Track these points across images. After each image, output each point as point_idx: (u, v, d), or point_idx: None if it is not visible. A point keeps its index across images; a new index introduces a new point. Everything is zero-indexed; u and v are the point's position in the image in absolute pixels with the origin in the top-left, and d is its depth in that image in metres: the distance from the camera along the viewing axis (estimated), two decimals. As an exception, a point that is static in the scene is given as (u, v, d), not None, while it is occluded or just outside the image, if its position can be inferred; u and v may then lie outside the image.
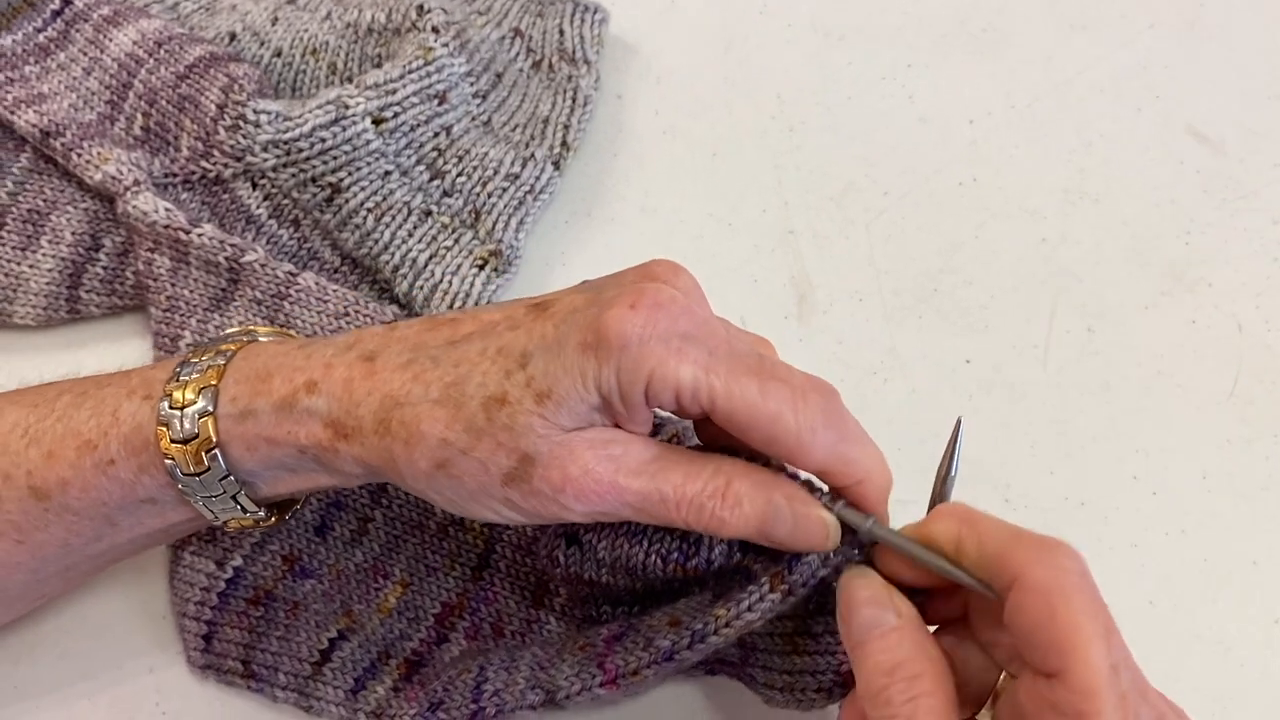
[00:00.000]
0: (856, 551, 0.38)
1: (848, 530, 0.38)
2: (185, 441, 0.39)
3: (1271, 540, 0.50)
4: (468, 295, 0.53)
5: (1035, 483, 0.52)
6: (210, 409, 0.39)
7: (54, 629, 0.49)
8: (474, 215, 0.55)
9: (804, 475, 0.39)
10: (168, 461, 0.39)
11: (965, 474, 0.52)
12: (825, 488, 0.38)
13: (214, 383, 0.40)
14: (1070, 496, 0.51)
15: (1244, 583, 0.49)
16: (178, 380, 0.40)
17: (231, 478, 0.40)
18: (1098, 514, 0.51)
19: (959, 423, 0.40)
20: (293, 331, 0.49)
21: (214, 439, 0.39)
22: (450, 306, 0.53)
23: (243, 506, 0.41)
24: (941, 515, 0.37)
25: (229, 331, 0.47)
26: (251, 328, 0.46)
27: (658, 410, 0.38)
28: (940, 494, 0.40)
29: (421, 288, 0.53)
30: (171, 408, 0.39)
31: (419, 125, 0.55)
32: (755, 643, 0.42)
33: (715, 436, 0.39)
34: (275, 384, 0.39)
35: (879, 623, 0.36)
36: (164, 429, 0.39)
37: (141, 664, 0.49)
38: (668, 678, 0.45)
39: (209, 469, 0.39)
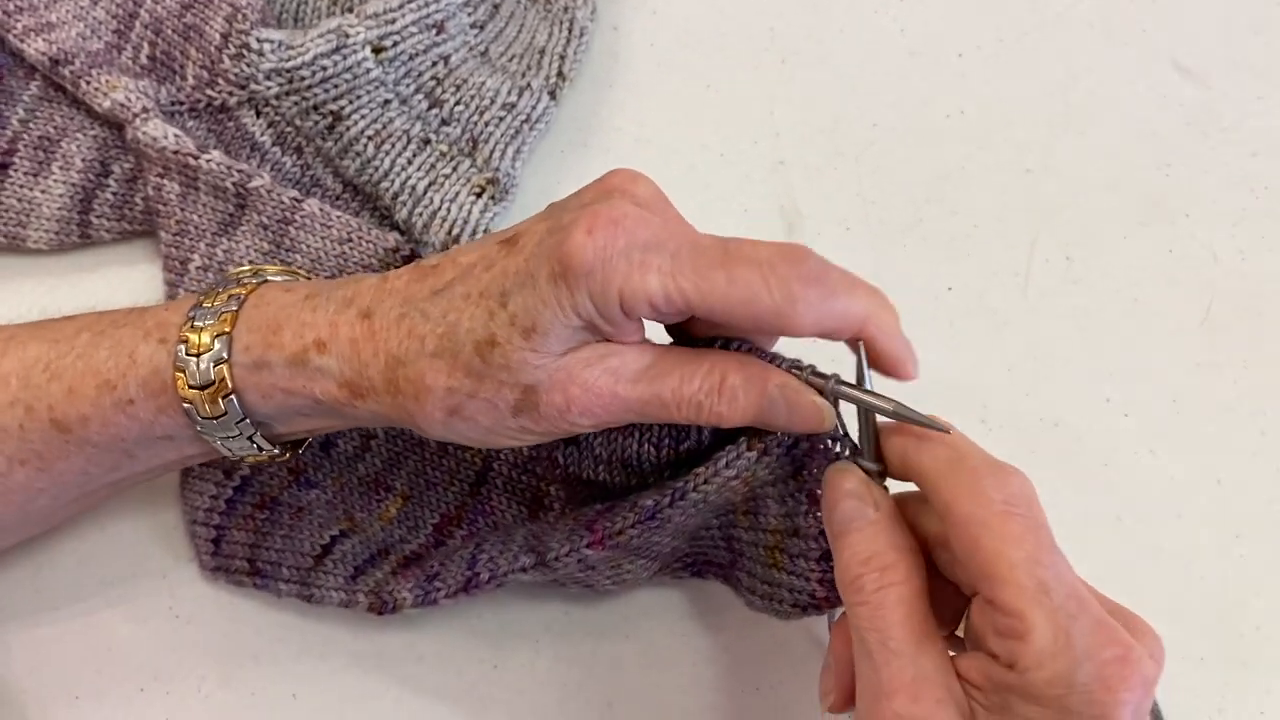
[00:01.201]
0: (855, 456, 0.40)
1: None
2: (202, 387, 0.41)
3: (1235, 460, 0.52)
4: (465, 222, 0.55)
5: (1012, 404, 0.54)
6: (225, 356, 0.41)
7: (72, 539, 0.51)
8: (471, 144, 0.57)
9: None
10: (185, 405, 0.41)
11: (945, 395, 0.54)
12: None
13: (227, 329, 0.41)
14: (1045, 418, 0.53)
15: (1208, 500, 0.52)
16: (192, 325, 0.42)
17: (247, 421, 0.42)
18: (1071, 434, 0.53)
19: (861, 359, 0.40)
20: (300, 271, 0.51)
21: (230, 385, 0.41)
22: (449, 233, 0.55)
23: (258, 446, 0.43)
24: (892, 430, 0.39)
25: (238, 270, 0.49)
26: (260, 267, 0.48)
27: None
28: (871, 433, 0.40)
29: (420, 215, 0.55)
30: (188, 353, 0.41)
31: (417, 54, 0.56)
32: (742, 549, 0.45)
33: (708, 331, 0.41)
34: (286, 338, 0.41)
35: (858, 515, 0.38)
36: (181, 374, 0.41)
37: (155, 570, 0.51)
38: (656, 564, 0.47)
39: (225, 413, 0.41)
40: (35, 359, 0.43)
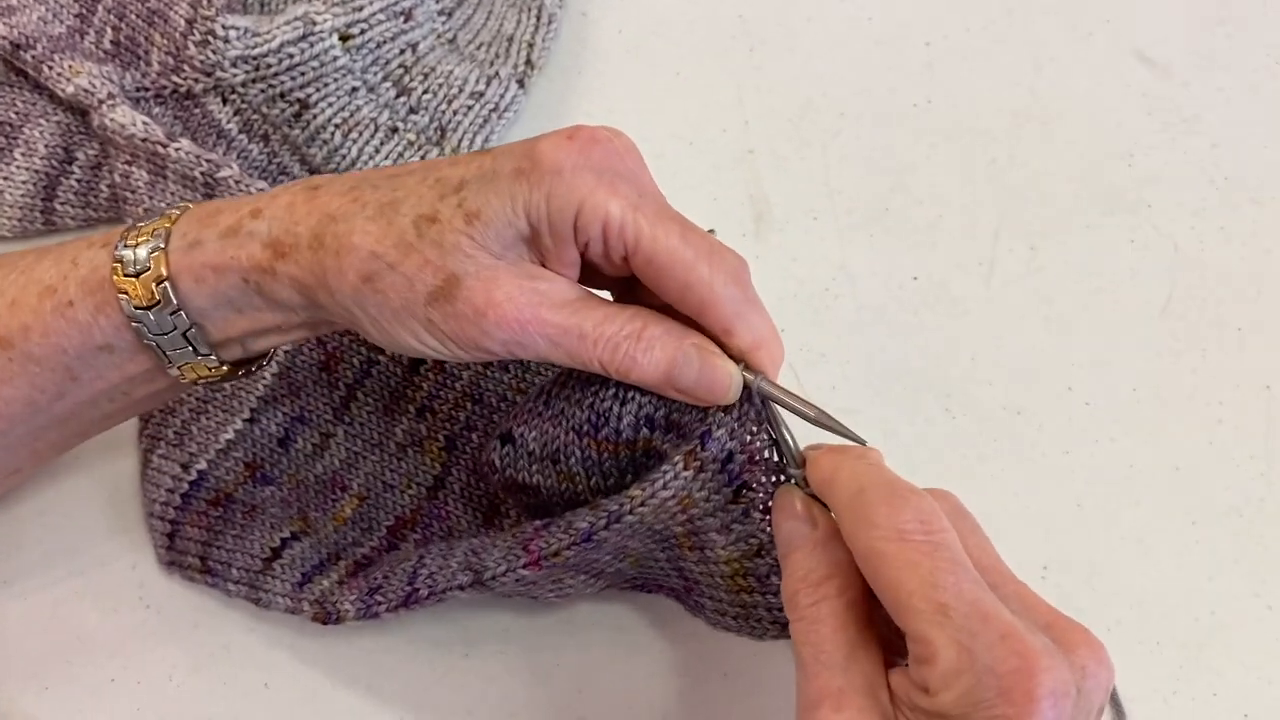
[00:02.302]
0: (755, 422, 0.40)
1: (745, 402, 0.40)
2: (138, 275, 0.40)
3: (1193, 447, 0.53)
4: (434, 210, 0.55)
5: (974, 393, 0.54)
6: (162, 246, 0.40)
7: (40, 529, 0.51)
8: (440, 132, 0.56)
9: None
10: (121, 297, 0.40)
11: (909, 383, 0.55)
12: None
13: (167, 226, 0.41)
14: (1007, 406, 0.54)
15: (1165, 487, 0.53)
16: (135, 228, 0.42)
17: (182, 313, 0.41)
18: (1033, 422, 0.54)
19: (760, 396, 0.40)
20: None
21: (164, 273, 0.40)
22: (417, 221, 0.55)
23: (194, 347, 0.42)
24: (823, 453, 0.40)
25: (187, 202, 0.48)
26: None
27: None
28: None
29: (389, 203, 0.55)
30: (125, 247, 0.41)
31: (385, 42, 0.56)
32: (696, 578, 0.45)
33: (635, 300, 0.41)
34: (223, 217, 0.41)
35: (798, 534, 0.39)
36: (118, 265, 0.41)
37: (124, 561, 0.51)
38: (604, 578, 0.47)
39: (159, 303, 0.40)
40: None
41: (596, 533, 0.41)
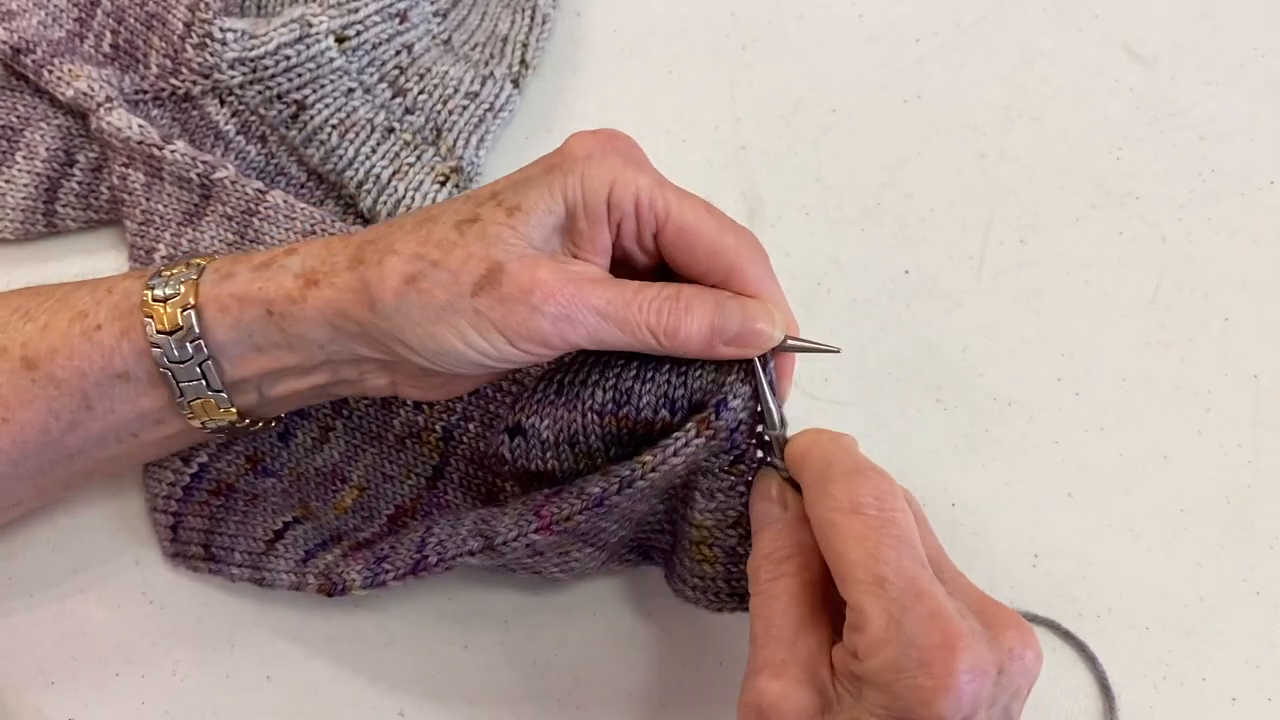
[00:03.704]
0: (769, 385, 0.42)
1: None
2: (166, 301, 0.42)
3: (1182, 436, 0.54)
4: (430, 209, 0.56)
5: (966, 384, 0.55)
6: (194, 277, 0.42)
7: (44, 527, 0.52)
8: (435, 133, 0.57)
9: None
10: (146, 320, 0.42)
11: (901, 375, 0.56)
12: None
13: (205, 262, 0.43)
14: (998, 397, 0.55)
15: (1155, 476, 0.53)
16: (174, 262, 0.44)
17: (201, 344, 0.42)
18: (1023, 413, 0.54)
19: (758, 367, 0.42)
20: None
21: (192, 301, 0.42)
22: (414, 220, 0.55)
23: (207, 380, 0.43)
24: (801, 433, 0.42)
25: None
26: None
27: None
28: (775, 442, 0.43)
29: (385, 203, 0.55)
30: (159, 277, 0.43)
31: (381, 43, 0.57)
32: (681, 540, 0.46)
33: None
34: (259, 255, 0.43)
35: (769, 515, 0.41)
36: (149, 291, 0.42)
37: (127, 557, 0.52)
38: (606, 554, 0.48)
39: (181, 329, 0.41)
40: (15, 308, 0.44)
41: (609, 497, 0.42)
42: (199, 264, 0.43)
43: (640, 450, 0.42)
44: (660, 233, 0.41)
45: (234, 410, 0.44)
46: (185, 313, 0.41)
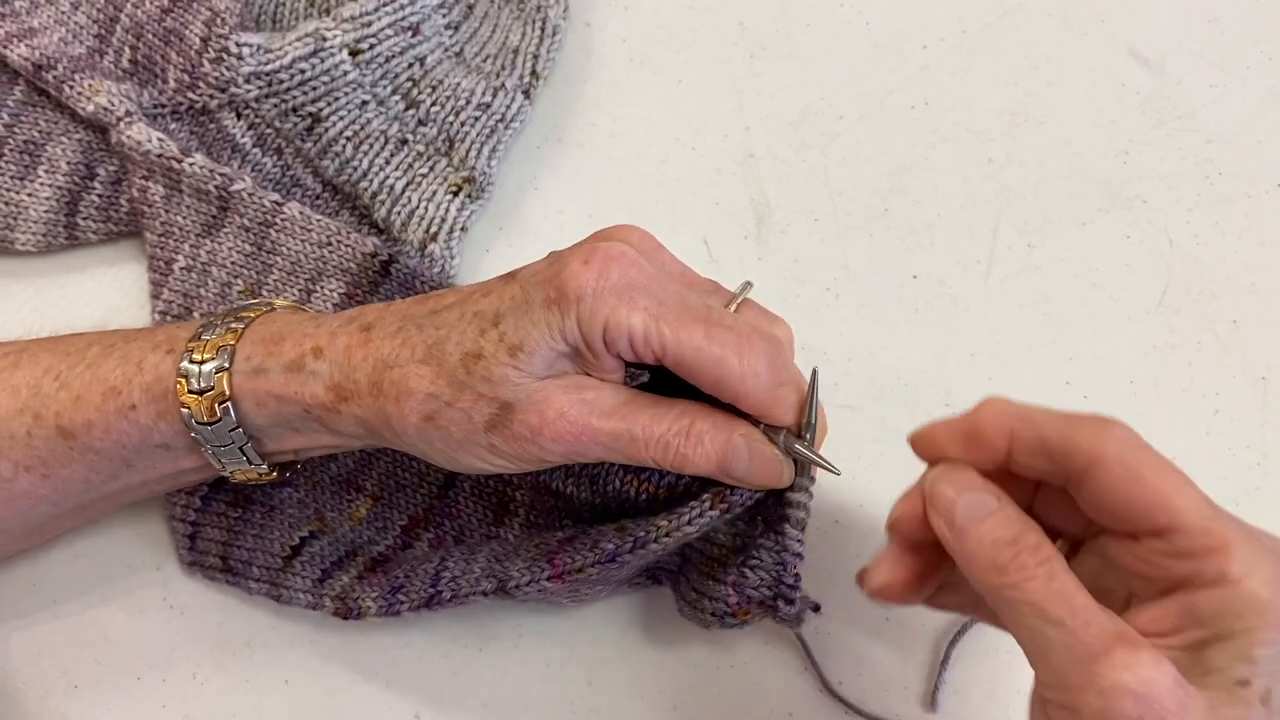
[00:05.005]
0: (800, 477, 0.42)
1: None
2: (201, 393, 0.43)
3: (1189, 439, 0.54)
4: (443, 220, 0.56)
5: (975, 388, 0.55)
6: (226, 365, 0.43)
7: (69, 536, 0.53)
8: (448, 143, 0.58)
9: None
10: (184, 410, 0.43)
11: (910, 380, 0.56)
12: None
13: (232, 343, 0.44)
14: (1006, 401, 0.55)
15: (1163, 478, 0.54)
16: (199, 340, 0.44)
17: (240, 430, 0.44)
18: (1031, 417, 0.55)
19: (815, 373, 0.42)
20: (307, 307, 0.53)
21: (227, 392, 0.43)
22: (426, 231, 0.56)
23: (249, 459, 0.45)
24: (990, 408, 0.39)
25: (249, 302, 0.51)
26: (270, 300, 0.51)
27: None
28: (807, 444, 0.42)
29: (399, 213, 0.56)
30: (191, 362, 0.43)
31: (394, 56, 0.58)
32: (691, 556, 0.47)
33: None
34: (286, 346, 0.43)
35: (982, 504, 0.38)
36: (183, 380, 0.43)
37: (149, 564, 0.53)
38: (614, 586, 0.49)
39: (220, 420, 0.43)
40: (46, 369, 0.45)
41: (620, 555, 0.43)
42: (226, 344, 0.44)
43: (656, 507, 0.43)
44: (661, 361, 0.40)
45: (273, 474, 0.47)
46: (222, 405, 0.43)
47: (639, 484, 0.45)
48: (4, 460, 0.45)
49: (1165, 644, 0.35)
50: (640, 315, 0.39)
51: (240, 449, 0.45)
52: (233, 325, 0.45)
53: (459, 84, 0.59)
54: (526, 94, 0.60)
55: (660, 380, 0.43)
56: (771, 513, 0.43)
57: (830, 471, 0.42)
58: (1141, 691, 0.33)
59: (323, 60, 0.56)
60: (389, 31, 0.57)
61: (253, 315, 0.45)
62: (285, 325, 0.45)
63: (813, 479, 0.43)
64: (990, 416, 0.39)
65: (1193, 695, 0.33)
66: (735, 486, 0.42)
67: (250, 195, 0.54)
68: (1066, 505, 0.39)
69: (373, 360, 0.42)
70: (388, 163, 0.57)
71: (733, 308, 0.43)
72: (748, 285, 0.44)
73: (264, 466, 0.46)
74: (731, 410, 0.42)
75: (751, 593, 0.43)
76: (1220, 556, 0.34)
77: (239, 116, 0.58)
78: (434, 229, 0.56)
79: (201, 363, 0.43)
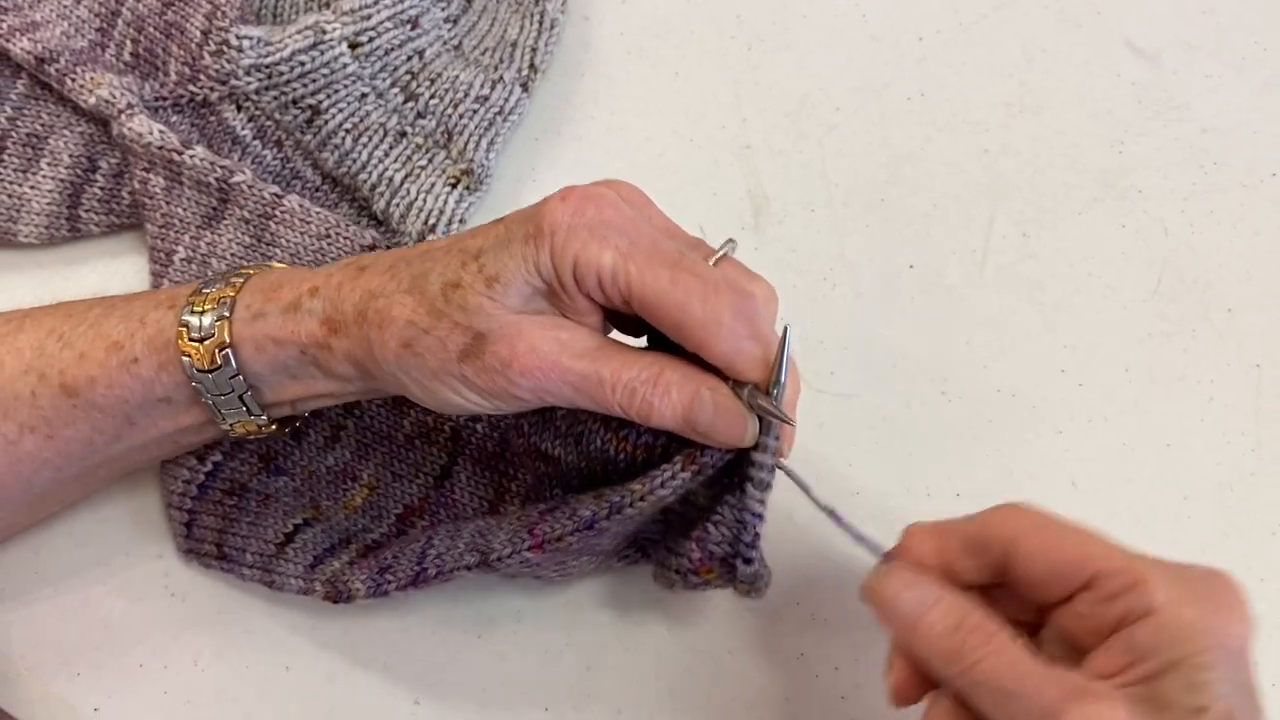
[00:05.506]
0: (763, 435, 0.42)
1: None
2: (202, 340, 0.44)
3: (1184, 425, 0.54)
4: (441, 212, 0.57)
5: (970, 377, 0.56)
6: (226, 314, 0.44)
7: (69, 522, 0.53)
8: (446, 136, 0.58)
9: None
10: (184, 359, 0.44)
11: (906, 368, 0.56)
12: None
13: (231, 295, 0.45)
14: (1002, 389, 0.55)
15: (1158, 464, 0.54)
16: (200, 294, 0.45)
17: (240, 377, 0.44)
18: (1027, 404, 0.55)
19: (786, 330, 0.41)
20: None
21: (227, 340, 0.44)
22: (425, 223, 0.57)
23: (248, 408, 0.46)
24: (910, 536, 0.42)
25: (247, 268, 0.52)
26: (269, 264, 0.51)
27: None
28: (772, 402, 0.42)
29: (398, 205, 0.57)
30: (192, 314, 0.44)
31: (393, 49, 0.58)
32: (672, 521, 0.47)
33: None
34: (284, 292, 0.44)
35: (925, 599, 0.39)
36: (184, 329, 0.44)
37: (150, 551, 0.53)
38: (602, 556, 0.49)
39: (220, 367, 0.44)
40: (49, 330, 0.46)
41: (598, 521, 0.43)
42: (227, 296, 0.45)
43: (634, 470, 0.44)
44: (630, 303, 0.40)
45: (273, 425, 0.48)
46: (223, 351, 0.44)
47: (618, 442, 0.45)
48: (9, 422, 0.45)
49: (1118, 682, 0.36)
50: (610, 253, 0.40)
51: (240, 398, 0.45)
52: (233, 280, 0.45)
53: (457, 77, 0.59)
54: (524, 87, 0.60)
55: (657, 348, 0.43)
56: (742, 472, 0.43)
57: (785, 422, 0.41)
58: None
59: (322, 53, 0.57)
60: (388, 25, 0.58)
61: (251, 272, 0.46)
62: (284, 274, 0.46)
63: (779, 438, 0.42)
64: (915, 543, 0.41)
65: None
66: (706, 447, 0.42)
67: (250, 187, 0.55)
68: (1016, 599, 0.40)
69: (360, 291, 0.43)
70: (387, 155, 0.57)
71: (712, 261, 0.42)
72: (731, 243, 0.44)
73: (264, 418, 0.47)
74: (705, 367, 0.41)
75: (713, 548, 0.44)
76: (1144, 588, 0.36)
77: (239, 109, 0.58)
78: (432, 220, 0.57)
79: (202, 313, 0.44)
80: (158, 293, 0.47)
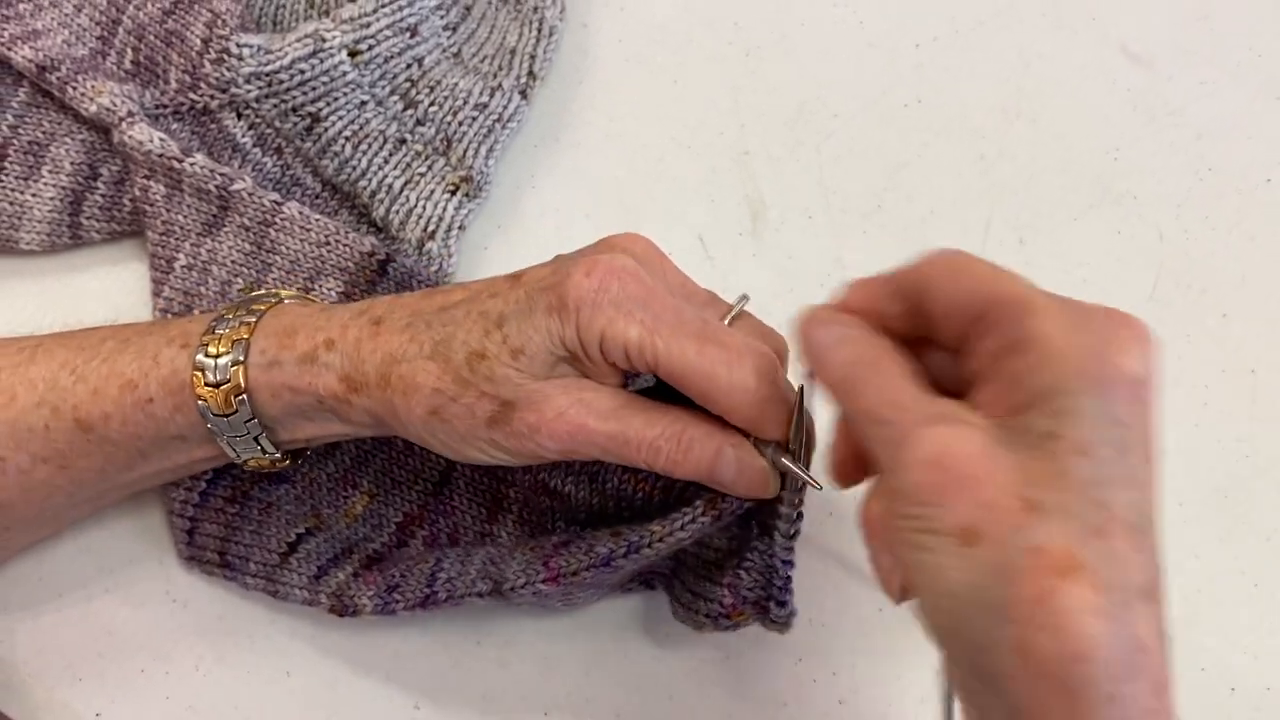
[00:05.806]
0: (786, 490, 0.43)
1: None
2: (217, 386, 0.44)
3: (1179, 431, 0.55)
4: (440, 219, 0.57)
5: (967, 383, 0.56)
6: (241, 359, 0.44)
7: (73, 530, 0.53)
8: (446, 143, 0.59)
9: None
10: (200, 403, 0.45)
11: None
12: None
13: (245, 336, 0.45)
14: (998, 395, 0.56)
15: (1153, 470, 0.54)
16: (213, 333, 0.45)
17: (255, 420, 0.45)
18: (1023, 410, 0.55)
19: (802, 390, 0.41)
20: (311, 296, 0.53)
21: (243, 385, 0.44)
22: (424, 230, 0.57)
23: (263, 448, 0.46)
24: (853, 287, 0.41)
25: (257, 293, 0.52)
26: (277, 290, 0.51)
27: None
28: (793, 458, 0.42)
29: (397, 212, 0.57)
30: (206, 356, 0.45)
31: (392, 57, 0.58)
32: (685, 559, 0.48)
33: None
34: (299, 339, 0.45)
35: (836, 335, 0.39)
36: (199, 374, 0.44)
37: (152, 557, 0.53)
38: (608, 589, 0.50)
39: (236, 411, 0.45)
40: (62, 363, 0.46)
41: (615, 559, 0.44)
42: (240, 338, 0.45)
43: (650, 510, 0.44)
44: (656, 373, 0.41)
45: (286, 462, 0.48)
46: (238, 397, 0.44)
47: (636, 482, 0.46)
48: (22, 453, 0.46)
49: (993, 411, 0.34)
50: (636, 328, 0.40)
51: (255, 439, 0.46)
52: (245, 319, 0.46)
53: (457, 84, 0.60)
54: (523, 94, 0.61)
55: (664, 385, 0.44)
56: (765, 518, 0.44)
57: (812, 486, 0.42)
58: (935, 458, 0.33)
59: (322, 61, 0.57)
60: (387, 32, 0.58)
61: (263, 308, 0.46)
62: (297, 318, 0.46)
63: (802, 489, 0.43)
64: (850, 292, 0.40)
65: (998, 458, 0.32)
66: (726, 494, 0.43)
67: (250, 195, 0.55)
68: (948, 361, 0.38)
69: (381, 354, 0.43)
70: (386, 162, 0.58)
71: (728, 320, 0.44)
72: (744, 299, 0.45)
73: (277, 454, 0.47)
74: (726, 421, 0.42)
75: (746, 593, 0.44)
76: (1030, 319, 0.33)
77: (239, 116, 0.59)
78: (432, 227, 0.57)
79: (216, 356, 0.44)
80: (168, 326, 0.47)
